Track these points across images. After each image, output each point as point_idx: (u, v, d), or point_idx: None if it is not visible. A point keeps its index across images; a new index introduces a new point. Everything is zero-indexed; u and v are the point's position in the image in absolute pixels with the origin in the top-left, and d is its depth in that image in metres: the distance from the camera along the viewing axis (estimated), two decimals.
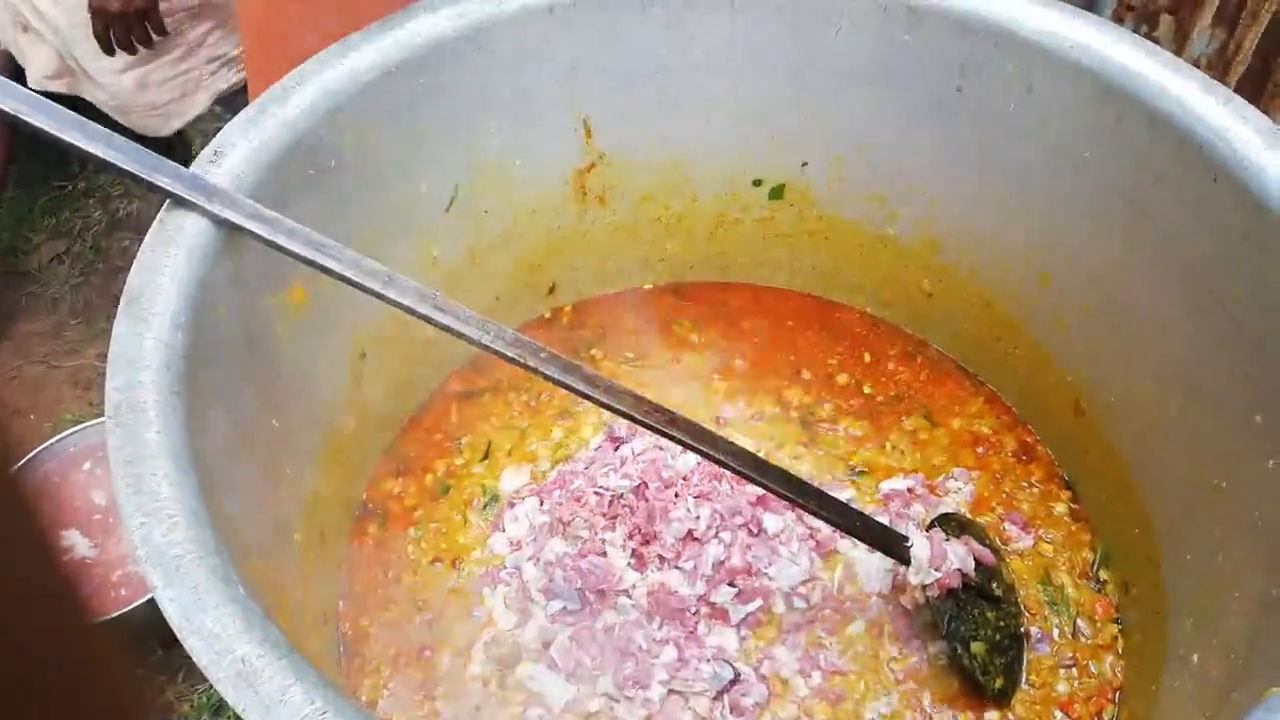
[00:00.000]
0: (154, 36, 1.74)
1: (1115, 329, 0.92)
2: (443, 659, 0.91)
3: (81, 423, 1.56)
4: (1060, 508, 1.02)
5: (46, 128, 0.67)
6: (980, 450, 1.07)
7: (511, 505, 1.01)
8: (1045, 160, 0.92)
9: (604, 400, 0.76)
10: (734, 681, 0.87)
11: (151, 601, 0.55)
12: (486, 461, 1.07)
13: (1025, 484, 1.04)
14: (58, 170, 2.15)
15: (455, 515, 1.01)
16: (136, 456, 0.57)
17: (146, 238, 0.68)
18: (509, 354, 0.75)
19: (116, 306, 0.64)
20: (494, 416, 1.11)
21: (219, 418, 0.68)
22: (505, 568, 0.96)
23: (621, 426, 1.02)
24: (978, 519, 1.00)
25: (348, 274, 0.71)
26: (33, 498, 0.29)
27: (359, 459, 1.02)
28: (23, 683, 0.28)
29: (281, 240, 0.70)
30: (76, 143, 0.67)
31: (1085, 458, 1.00)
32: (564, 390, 0.78)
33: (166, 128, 1.88)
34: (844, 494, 1.01)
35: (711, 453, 0.78)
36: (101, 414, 0.60)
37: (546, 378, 0.75)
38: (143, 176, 0.68)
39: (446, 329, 0.74)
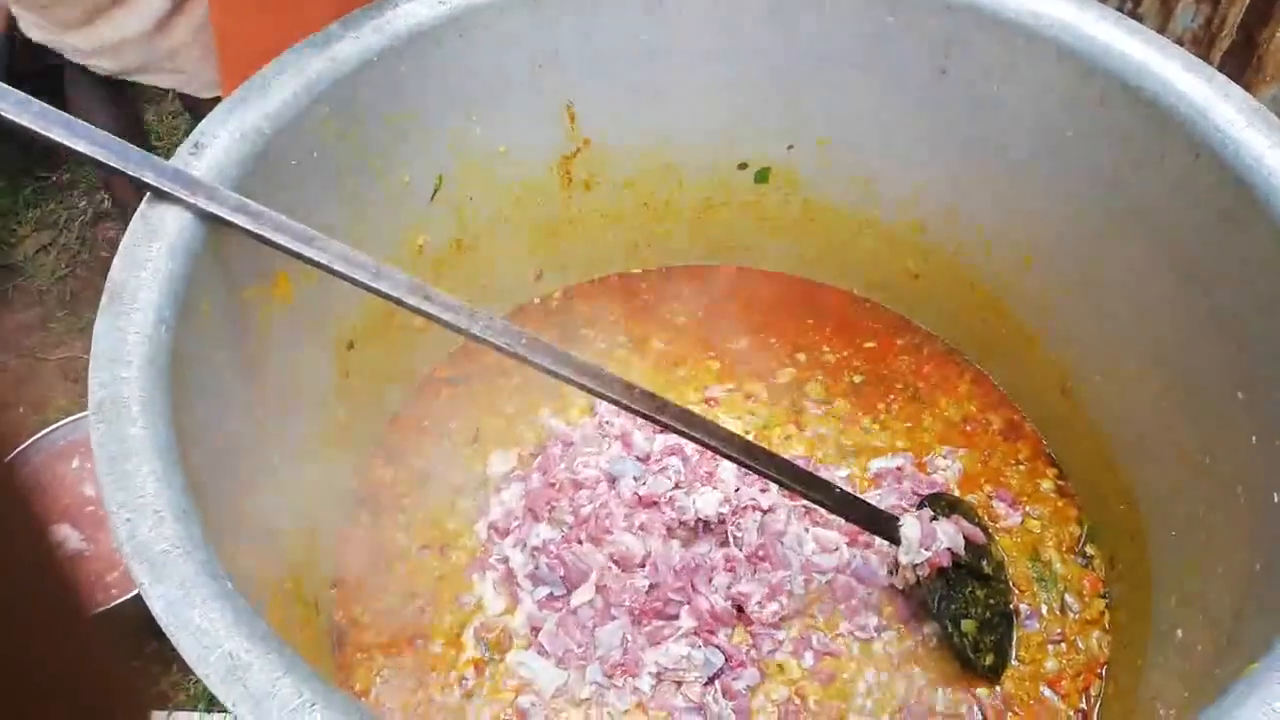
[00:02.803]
0: None
1: (1098, 308, 0.92)
2: (434, 646, 0.92)
3: (70, 415, 1.55)
4: (1047, 485, 1.02)
5: (30, 124, 0.66)
6: (968, 428, 1.08)
7: (498, 490, 1.02)
8: (1028, 141, 0.92)
9: (594, 388, 0.76)
10: (725, 667, 0.88)
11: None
12: (475, 446, 1.07)
13: (1012, 461, 1.05)
14: (41, 161, 2.14)
15: (443, 502, 1.02)
16: (120, 453, 0.57)
17: (127, 232, 0.68)
18: (499, 343, 0.75)
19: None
20: (482, 401, 1.11)
21: (205, 412, 0.68)
22: (492, 554, 0.97)
23: (609, 410, 1.03)
24: (966, 497, 1.01)
25: (336, 266, 0.71)
26: (27, 490, 0.29)
27: (348, 448, 1.02)
28: (19, 671, 0.28)
29: (268, 233, 0.69)
30: (60, 139, 0.66)
31: (1071, 435, 1.00)
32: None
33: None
34: (836, 474, 1.02)
35: (702, 438, 0.78)
36: None
37: (537, 366, 0.75)
38: (125, 170, 0.67)
39: (435, 319, 0.73)
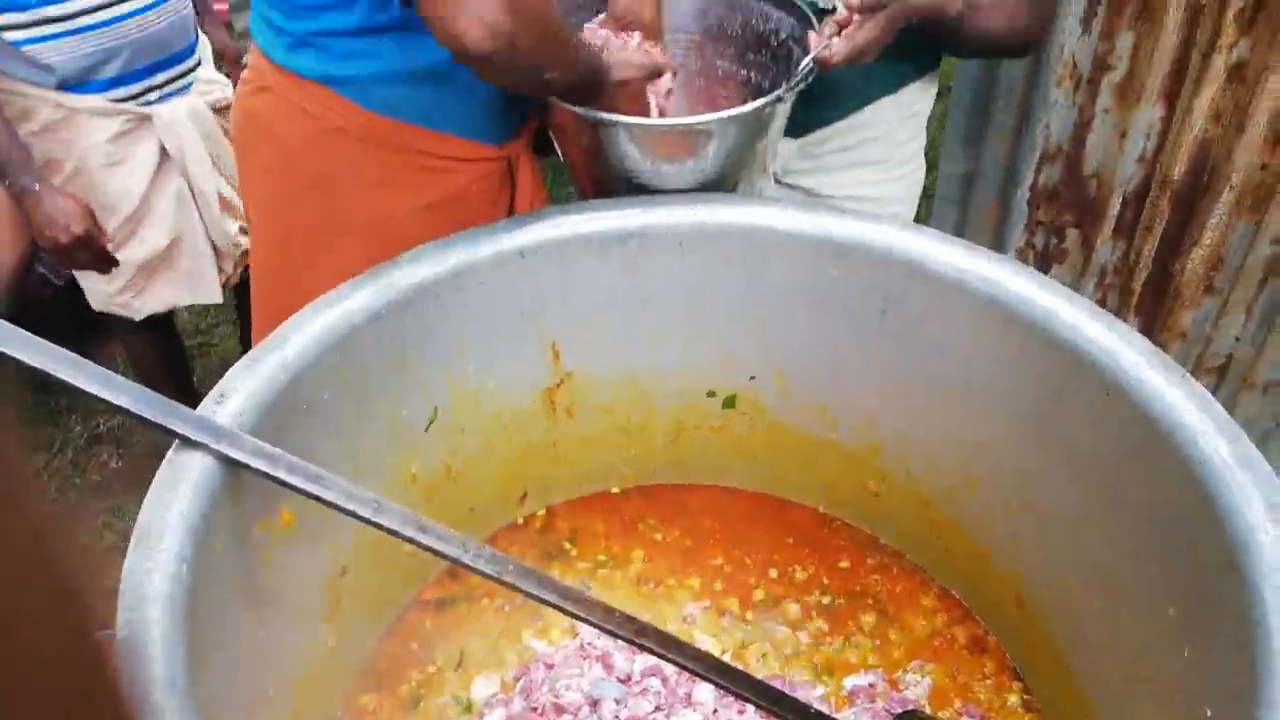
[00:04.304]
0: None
1: (1040, 528, 1.00)
2: None
3: None
4: (1013, 699, 1.06)
5: (68, 378, 0.75)
6: (935, 643, 1.12)
7: (482, 716, 1.03)
8: (963, 376, 1.03)
9: (577, 613, 0.81)
10: None
11: None
12: (459, 670, 1.10)
13: (979, 676, 1.09)
14: (42, 385, 2.22)
15: None
16: (141, 691, 0.61)
17: (156, 477, 0.75)
18: (487, 571, 0.81)
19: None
20: (467, 624, 1.15)
21: (215, 643, 0.72)
22: None
23: (590, 631, 1.07)
24: (939, 713, 1.04)
25: (341, 503, 0.78)
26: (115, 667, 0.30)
27: (335, 675, 1.04)
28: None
29: (283, 475, 0.77)
30: (98, 392, 0.74)
31: (1030, 649, 1.05)
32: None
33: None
34: (812, 693, 1.05)
35: (681, 661, 0.83)
36: None
37: (524, 593, 0.81)
38: (157, 422, 0.75)
39: (430, 549, 0.80)
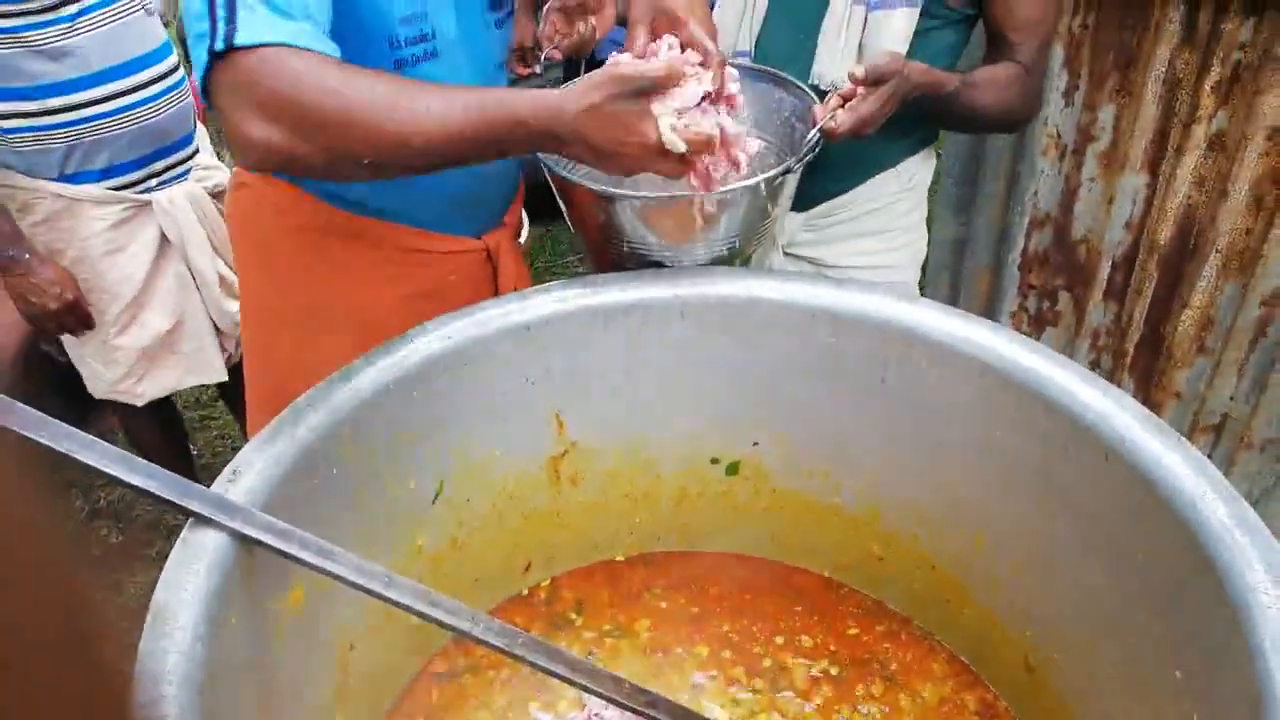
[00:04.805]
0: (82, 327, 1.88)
1: (1046, 587, 1.01)
2: None
3: None
4: None
5: (88, 459, 0.76)
6: (945, 709, 1.12)
7: None
8: (963, 439, 1.05)
9: (588, 685, 0.82)
10: None
11: None
12: None
13: None
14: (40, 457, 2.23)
15: None
16: None
17: (171, 554, 0.76)
18: (498, 644, 0.81)
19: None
20: (473, 697, 1.14)
21: None
22: None
23: (598, 702, 1.06)
24: None
25: (352, 578, 0.78)
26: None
27: None
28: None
29: (294, 550, 0.78)
30: (117, 473, 0.76)
31: (1040, 713, 1.05)
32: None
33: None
34: None
35: None
36: None
37: (534, 665, 0.81)
38: (174, 501, 0.77)
39: (439, 623, 0.80)
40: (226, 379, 2.03)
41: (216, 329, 1.99)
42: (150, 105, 1.81)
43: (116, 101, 1.76)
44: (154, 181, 1.87)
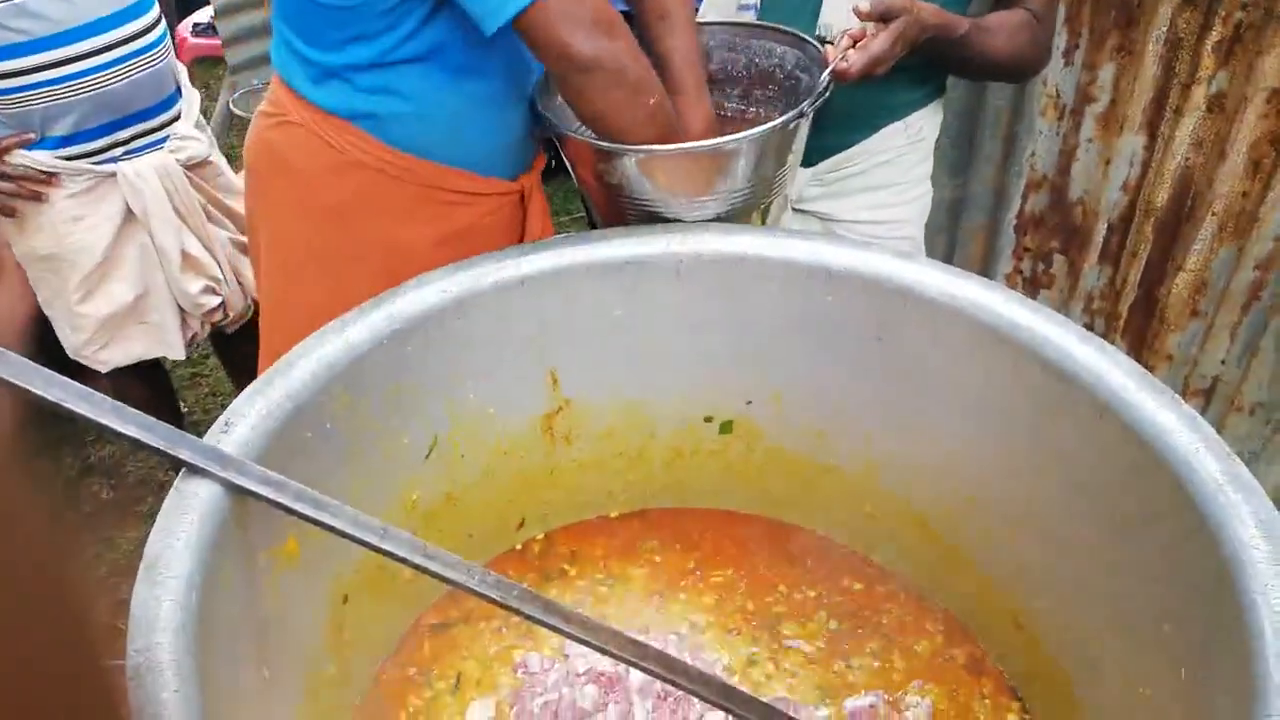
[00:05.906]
0: None
1: (1038, 545, 1.02)
2: None
3: None
4: (1012, 718, 1.07)
5: (80, 410, 0.76)
6: (936, 664, 1.13)
7: None
8: (957, 397, 1.05)
9: (582, 636, 0.82)
10: None
11: None
12: (456, 694, 1.10)
13: (979, 696, 1.09)
14: (32, 418, 2.22)
15: None
16: (157, 716, 0.61)
17: (164, 504, 0.76)
18: (493, 596, 0.81)
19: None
20: (463, 647, 1.15)
21: (224, 673, 0.73)
22: None
23: (582, 649, 1.07)
24: None
25: (348, 530, 0.78)
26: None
27: (336, 704, 1.04)
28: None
29: (288, 502, 0.77)
30: (109, 423, 0.75)
31: (1028, 669, 1.06)
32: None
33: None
34: (815, 714, 1.06)
35: (687, 684, 0.83)
36: None
37: (528, 617, 0.81)
38: (165, 450, 0.76)
39: (435, 575, 0.80)
40: (184, 357, 1.96)
41: (180, 309, 1.93)
42: (118, 68, 1.70)
43: (78, 65, 1.65)
44: (119, 151, 1.77)
